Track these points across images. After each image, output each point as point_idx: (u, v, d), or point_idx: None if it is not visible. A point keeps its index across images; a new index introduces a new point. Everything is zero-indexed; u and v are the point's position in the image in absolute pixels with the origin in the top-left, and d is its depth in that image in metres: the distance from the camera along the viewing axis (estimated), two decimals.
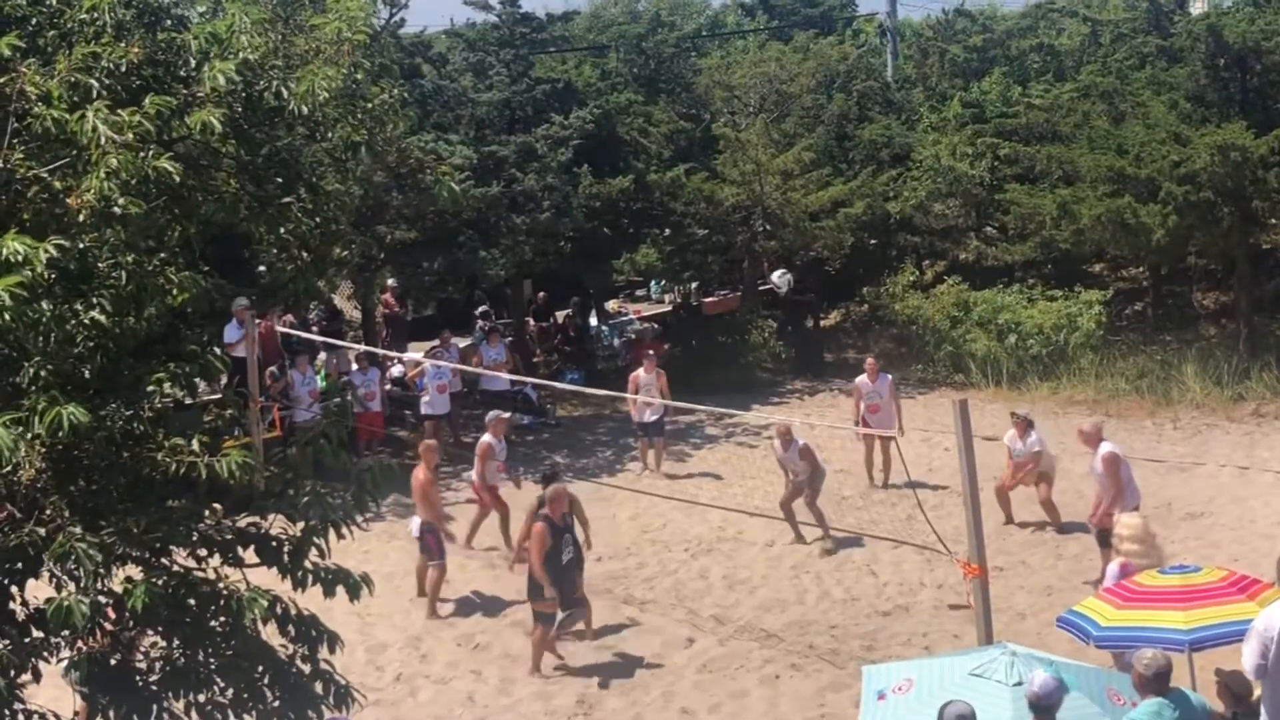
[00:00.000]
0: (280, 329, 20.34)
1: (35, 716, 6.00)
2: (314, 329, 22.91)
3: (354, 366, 20.95)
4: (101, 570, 5.46)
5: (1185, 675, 9.34)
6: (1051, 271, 25.57)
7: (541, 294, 27.50)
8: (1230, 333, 23.61)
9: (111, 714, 6.03)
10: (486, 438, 16.31)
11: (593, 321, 27.59)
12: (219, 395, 12.28)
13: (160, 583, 5.66)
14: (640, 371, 19.55)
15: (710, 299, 27.91)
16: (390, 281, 23.95)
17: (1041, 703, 7.69)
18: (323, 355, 22.21)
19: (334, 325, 24.11)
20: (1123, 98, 24.61)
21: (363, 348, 21.54)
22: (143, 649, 6.08)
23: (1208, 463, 18.29)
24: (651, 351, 20.44)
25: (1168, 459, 18.48)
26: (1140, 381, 21.90)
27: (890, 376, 18.49)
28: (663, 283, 29.24)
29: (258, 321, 17.69)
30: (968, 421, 11.45)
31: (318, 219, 6.45)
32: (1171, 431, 20.15)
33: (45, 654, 5.95)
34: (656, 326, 26.38)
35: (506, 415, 17.35)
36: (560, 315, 27.36)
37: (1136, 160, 22.07)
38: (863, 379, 18.24)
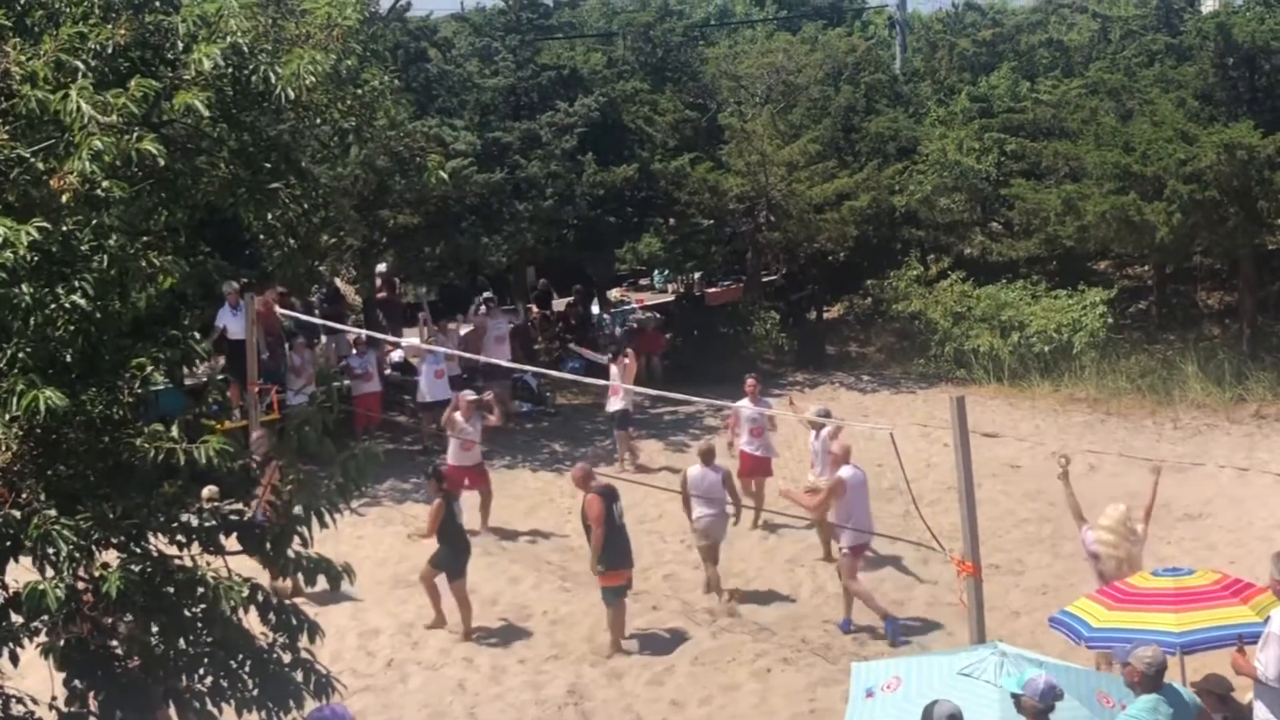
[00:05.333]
0: (281, 312, 20.31)
1: (13, 700, 5.97)
2: (315, 312, 22.91)
3: (353, 350, 20.91)
4: (78, 555, 5.42)
5: (1177, 678, 9.30)
6: (1056, 268, 25.50)
7: (543, 280, 27.46)
8: (1234, 333, 23.54)
9: (90, 698, 6.01)
10: (458, 414, 16.24)
11: (595, 310, 27.54)
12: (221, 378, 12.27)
13: (137, 569, 5.63)
14: (614, 371, 19.20)
15: (713, 289, 27.88)
16: (380, 267, 23.92)
17: (1039, 707, 7.61)
18: (324, 339, 22.20)
19: (335, 308, 24.11)
20: (1130, 95, 24.52)
21: (362, 331, 21.50)
22: (121, 634, 6.04)
23: (1207, 463, 18.20)
24: (615, 350, 20.27)
25: (1167, 459, 18.32)
26: (1142, 380, 21.85)
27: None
28: (666, 272, 29.21)
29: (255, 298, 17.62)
30: (964, 418, 11.38)
31: (306, 205, 6.40)
32: (1172, 431, 20.09)
33: (24, 638, 5.92)
34: (658, 316, 26.34)
35: (488, 396, 17.27)
36: (562, 303, 27.33)
37: (1143, 158, 21.97)
38: (743, 402, 16.61)
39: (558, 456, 19.32)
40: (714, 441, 15.70)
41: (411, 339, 23.17)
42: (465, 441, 16.15)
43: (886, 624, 13.12)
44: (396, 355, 23.75)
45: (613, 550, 12.76)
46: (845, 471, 13.41)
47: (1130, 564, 11.06)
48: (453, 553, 13.36)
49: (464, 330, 22.89)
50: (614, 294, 29.59)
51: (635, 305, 28.36)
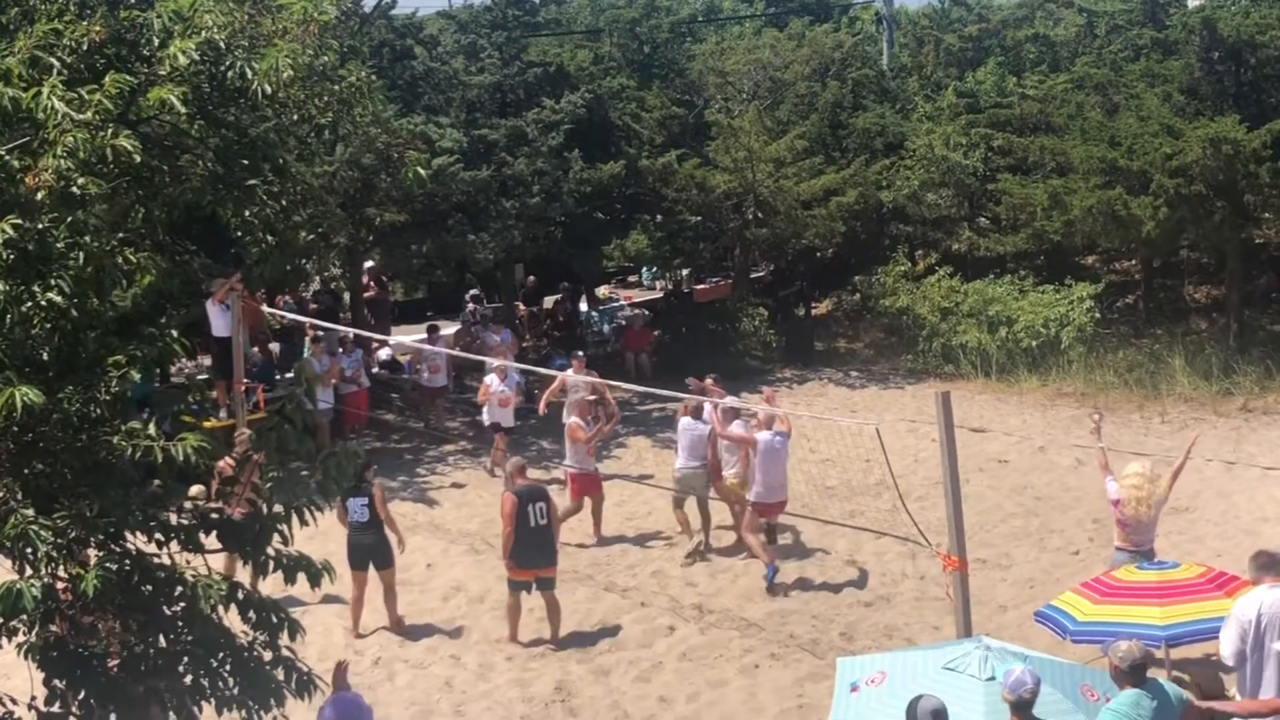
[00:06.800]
0: (269, 309, 20.23)
1: None
2: (309, 309, 22.86)
3: (339, 349, 20.84)
4: (55, 554, 5.39)
5: (1163, 671, 9.32)
6: (1043, 263, 25.54)
7: (531, 278, 27.44)
8: (1221, 327, 23.58)
9: (70, 698, 5.98)
10: (574, 419, 16.02)
11: (583, 307, 27.52)
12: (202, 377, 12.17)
13: (114, 567, 5.60)
14: (569, 372, 18.26)
15: (701, 286, 27.90)
16: (367, 264, 23.86)
17: (1009, 699, 7.60)
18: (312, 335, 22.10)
19: (334, 306, 24.07)
20: (1117, 89, 24.57)
21: (352, 330, 21.46)
22: (102, 634, 6.01)
23: (1194, 457, 18.21)
24: (581, 353, 19.76)
25: (1155, 453, 18.35)
26: (1129, 375, 21.89)
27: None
28: (654, 269, 29.21)
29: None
30: (950, 413, 11.38)
31: (283, 202, 6.37)
32: (1159, 425, 20.12)
33: (1, 637, 5.89)
34: (647, 313, 26.34)
35: (593, 397, 16.66)
36: (550, 300, 27.31)
37: (1129, 152, 22.00)
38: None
39: (545, 454, 19.29)
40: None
41: (401, 338, 23.14)
42: (589, 446, 15.99)
43: (769, 569, 14.17)
44: (384, 353, 23.71)
45: (522, 549, 12.94)
46: (762, 435, 14.19)
47: (1149, 505, 11.73)
48: (381, 542, 13.35)
49: (448, 331, 22.83)
50: (602, 291, 29.58)
51: (624, 302, 28.37)
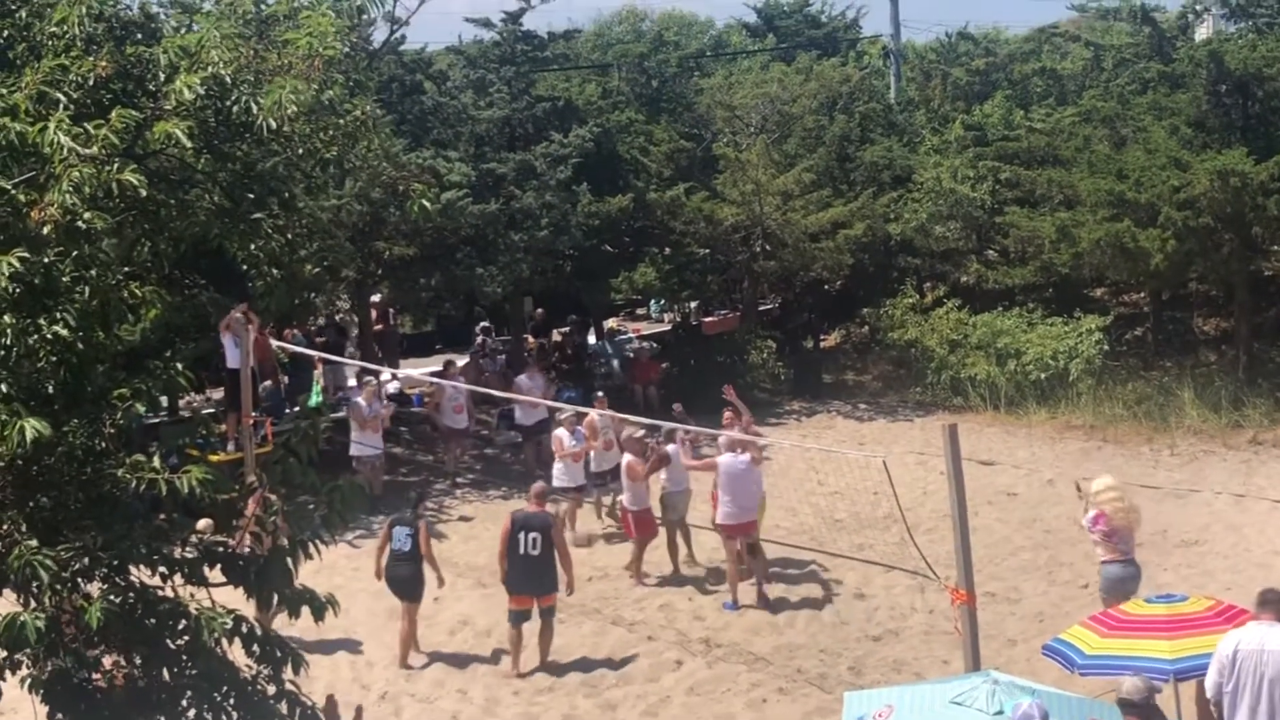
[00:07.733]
0: (277, 343, 20.24)
1: None
2: (315, 343, 22.89)
3: (351, 382, 20.87)
4: (59, 586, 5.39)
5: (1171, 705, 9.27)
6: (1052, 295, 25.51)
7: (540, 311, 27.50)
8: (1230, 359, 23.52)
9: None
10: (629, 457, 15.81)
11: (591, 340, 27.54)
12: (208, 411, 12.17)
13: (117, 600, 5.60)
14: (594, 414, 17.60)
15: (710, 318, 27.91)
16: (374, 297, 23.89)
17: None
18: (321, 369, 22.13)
19: (339, 340, 24.10)
20: (1124, 123, 24.59)
21: (359, 363, 21.48)
22: (106, 667, 6.00)
23: (1203, 490, 18.19)
24: (601, 393, 19.54)
25: (1164, 485, 18.38)
26: (1138, 407, 21.84)
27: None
28: (663, 302, 29.23)
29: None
30: (957, 446, 11.35)
31: (289, 236, 6.41)
32: (1168, 458, 20.06)
33: (5, 671, 5.89)
34: (655, 345, 26.35)
35: (640, 433, 16.27)
36: (558, 333, 27.35)
37: (1136, 185, 22.02)
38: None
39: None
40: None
41: (410, 371, 23.16)
42: (646, 483, 15.75)
43: (729, 603, 14.61)
44: (392, 386, 23.72)
45: (511, 575, 13.19)
46: (724, 458, 14.63)
47: (1130, 512, 12.11)
48: (415, 576, 13.48)
49: (461, 362, 22.85)
50: (610, 323, 29.61)
51: (632, 334, 28.39)
